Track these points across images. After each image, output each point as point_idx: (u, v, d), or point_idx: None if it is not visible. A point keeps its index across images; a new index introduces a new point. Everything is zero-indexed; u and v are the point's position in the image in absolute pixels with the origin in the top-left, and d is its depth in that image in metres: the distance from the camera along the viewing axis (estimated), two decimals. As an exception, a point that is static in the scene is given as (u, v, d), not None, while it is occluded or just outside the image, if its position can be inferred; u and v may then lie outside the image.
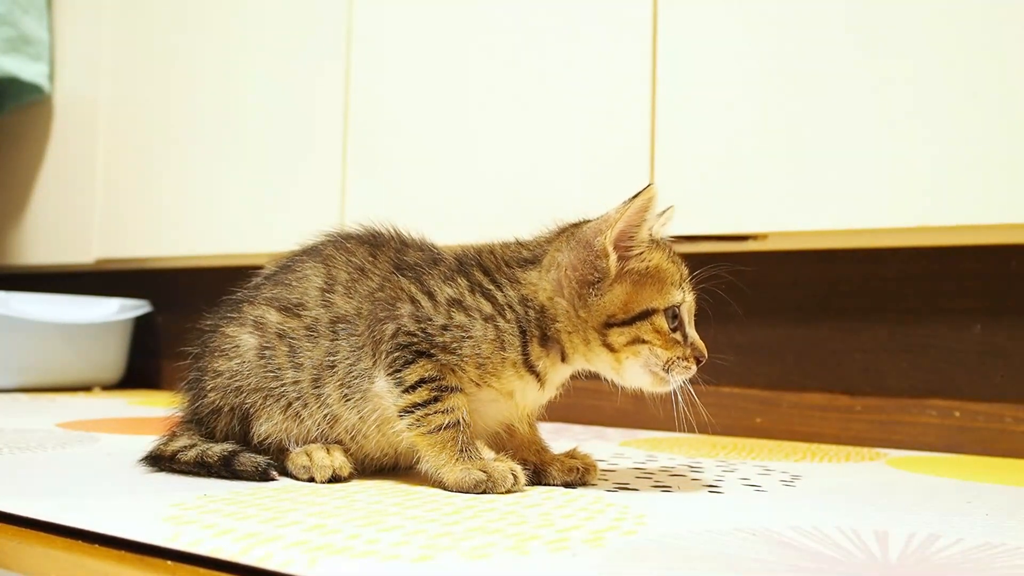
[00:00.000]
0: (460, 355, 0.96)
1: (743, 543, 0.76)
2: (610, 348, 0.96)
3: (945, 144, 1.29)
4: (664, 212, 1.01)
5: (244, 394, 1.02)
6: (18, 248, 2.54)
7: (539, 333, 0.98)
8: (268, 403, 1.01)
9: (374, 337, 0.98)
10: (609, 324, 0.96)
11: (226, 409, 1.03)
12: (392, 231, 1.08)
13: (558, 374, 1.01)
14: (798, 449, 1.44)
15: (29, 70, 2.43)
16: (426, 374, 0.96)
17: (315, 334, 1.01)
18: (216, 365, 1.04)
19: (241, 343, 1.03)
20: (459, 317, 0.96)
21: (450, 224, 1.68)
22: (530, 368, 0.98)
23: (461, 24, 1.74)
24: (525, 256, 1.01)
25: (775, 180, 1.40)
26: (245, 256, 1.98)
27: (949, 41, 1.29)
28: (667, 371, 0.96)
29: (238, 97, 2.09)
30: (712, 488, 1.03)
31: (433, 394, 0.95)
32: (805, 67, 1.39)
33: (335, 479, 0.99)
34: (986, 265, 1.44)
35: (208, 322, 1.09)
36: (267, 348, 1.02)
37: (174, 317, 2.44)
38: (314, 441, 1.02)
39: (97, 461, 1.11)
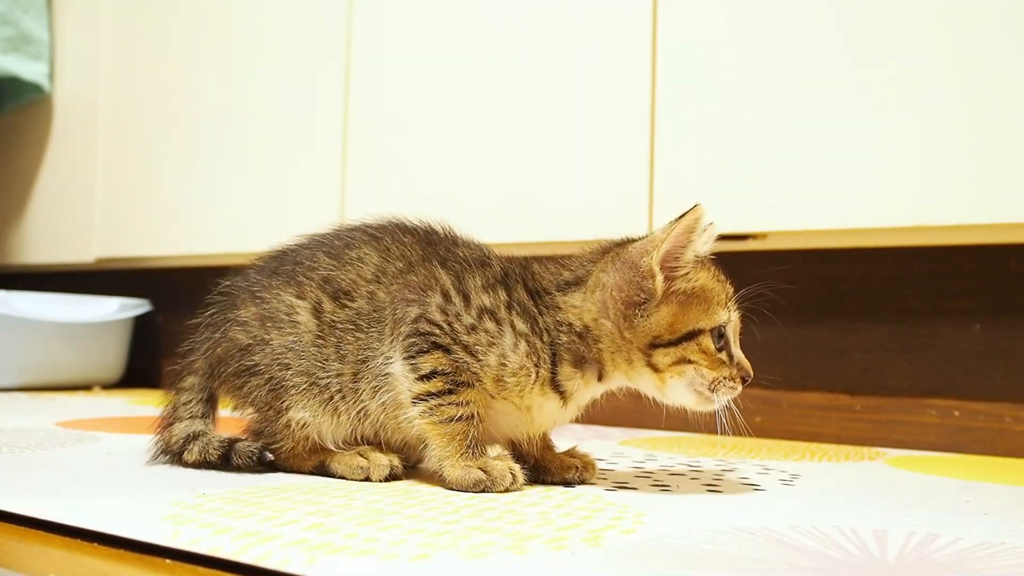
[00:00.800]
0: (482, 363, 0.95)
1: (742, 542, 0.76)
2: (654, 368, 0.95)
3: (941, 143, 1.29)
4: (707, 230, 0.98)
5: (291, 371, 1.00)
6: (18, 247, 2.54)
7: (572, 356, 0.97)
8: (312, 391, 1.00)
9: (396, 316, 0.98)
10: (654, 345, 0.94)
11: (265, 377, 1.01)
12: (447, 231, 1.07)
13: (588, 393, 1.00)
14: (798, 448, 1.44)
15: (29, 70, 2.43)
16: (439, 367, 0.95)
17: (356, 327, 1.00)
18: (270, 335, 1.02)
19: (300, 322, 1.01)
20: (490, 324, 0.96)
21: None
22: (556, 387, 0.98)
23: (461, 21, 1.74)
24: (567, 278, 1.00)
25: (775, 178, 1.40)
26: (245, 255, 1.97)
27: (947, 40, 1.29)
28: (712, 391, 0.94)
29: (238, 96, 2.09)
30: (711, 487, 1.03)
31: (448, 386, 0.95)
32: (803, 67, 1.39)
33: (393, 477, 1.00)
34: (985, 265, 1.44)
35: (260, 275, 1.07)
36: (320, 337, 1.00)
37: (174, 316, 2.44)
38: (344, 438, 1.02)
39: (97, 460, 1.11)
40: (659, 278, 0.93)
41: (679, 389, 0.95)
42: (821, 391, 1.56)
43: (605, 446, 1.40)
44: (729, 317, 0.96)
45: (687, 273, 0.95)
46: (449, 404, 0.95)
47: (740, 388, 0.96)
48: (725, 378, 0.95)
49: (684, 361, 0.94)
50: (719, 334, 0.95)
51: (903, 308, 1.51)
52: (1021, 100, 1.25)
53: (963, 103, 1.28)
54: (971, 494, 1.05)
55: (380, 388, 0.98)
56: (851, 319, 1.54)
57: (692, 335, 0.94)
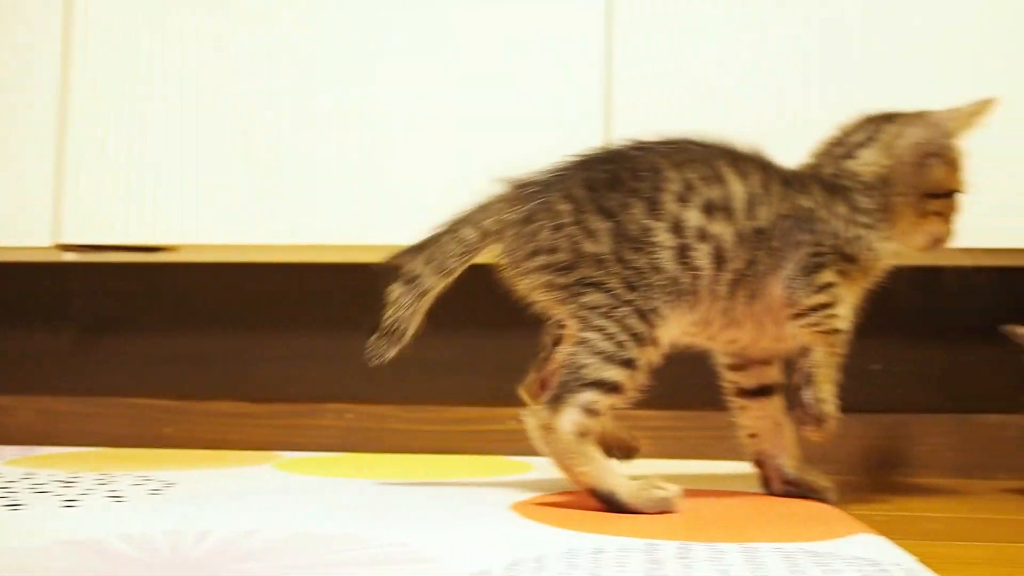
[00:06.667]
0: (859, 263, 1.11)
1: (56, 556, 0.78)
2: (922, 211, 1.14)
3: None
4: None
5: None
6: None
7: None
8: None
9: (792, 242, 1.08)
10: (929, 195, 1.14)
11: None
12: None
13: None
14: (201, 457, 1.49)
15: None
16: (831, 279, 1.08)
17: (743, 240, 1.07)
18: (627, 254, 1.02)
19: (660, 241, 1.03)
20: (858, 230, 1.10)
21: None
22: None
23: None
24: (847, 150, 1.16)
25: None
26: None
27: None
28: (937, 242, 1.16)
29: None
30: (70, 502, 1.04)
31: (833, 299, 1.08)
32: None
33: None
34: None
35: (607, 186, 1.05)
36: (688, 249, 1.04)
37: None
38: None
39: None
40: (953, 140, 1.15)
41: (923, 234, 1.16)
42: (228, 399, 1.63)
43: (-9, 466, 1.34)
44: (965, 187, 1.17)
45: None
46: (831, 316, 1.09)
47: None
48: (948, 233, 1.17)
49: (939, 213, 1.15)
50: (956, 199, 1.16)
51: (309, 319, 1.62)
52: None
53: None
54: (346, 490, 1.17)
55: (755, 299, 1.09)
56: (258, 331, 1.63)
57: (949, 194, 1.16)
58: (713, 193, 1.05)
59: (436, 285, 1.07)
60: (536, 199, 1.05)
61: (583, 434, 1.02)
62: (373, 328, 1.08)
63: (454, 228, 1.08)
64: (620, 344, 1.01)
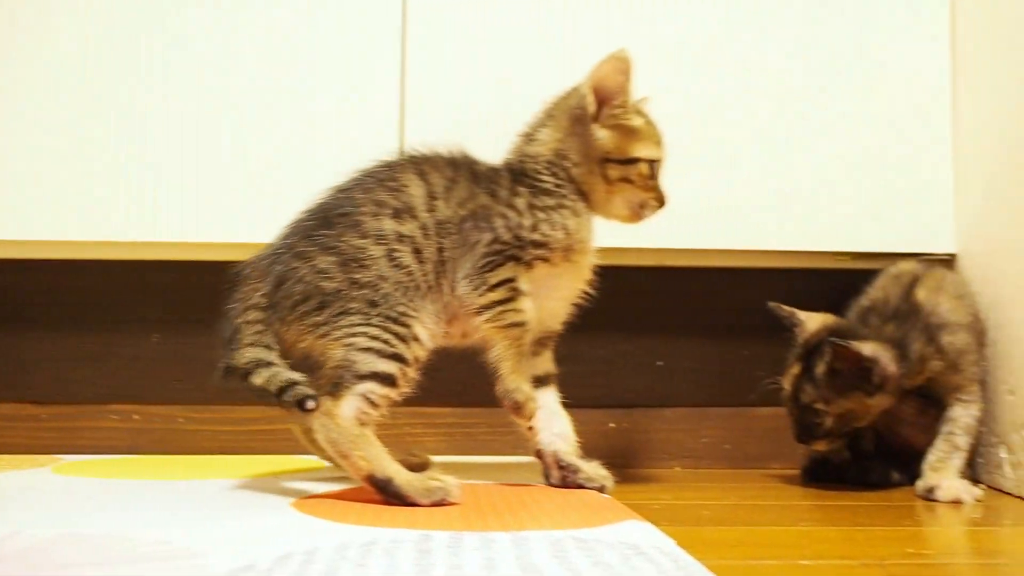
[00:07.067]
0: (551, 247, 1.19)
1: None
2: (607, 179, 1.23)
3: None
4: (643, 99, 1.27)
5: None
6: None
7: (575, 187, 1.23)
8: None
9: (469, 242, 1.18)
10: (607, 160, 1.22)
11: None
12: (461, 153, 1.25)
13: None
14: (-26, 462, 1.42)
15: None
16: (507, 275, 1.17)
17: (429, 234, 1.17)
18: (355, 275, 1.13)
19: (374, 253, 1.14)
20: (540, 215, 1.19)
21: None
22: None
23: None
24: (529, 135, 1.26)
25: None
26: None
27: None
28: (641, 207, 1.24)
29: None
30: None
31: (509, 294, 1.17)
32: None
33: None
34: (166, 277, 1.55)
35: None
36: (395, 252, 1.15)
37: None
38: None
39: None
40: (590, 97, 1.21)
41: (619, 202, 1.24)
42: (9, 402, 1.55)
43: None
44: (660, 156, 1.25)
45: (625, 112, 1.23)
46: (510, 311, 1.17)
47: (660, 209, 1.25)
48: (652, 198, 1.24)
49: (625, 180, 1.23)
50: (651, 167, 1.23)
51: (90, 319, 1.56)
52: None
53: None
54: (118, 490, 1.15)
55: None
56: (38, 330, 1.56)
57: (633, 161, 1.23)
58: (398, 202, 1.17)
59: (271, 355, 1.13)
60: (277, 267, 1.16)
61: (363, 422, 1.08)
62: (275, 398, 1.10)
63: (237, 316, 1.16)
64: (386, 342, 1.11)
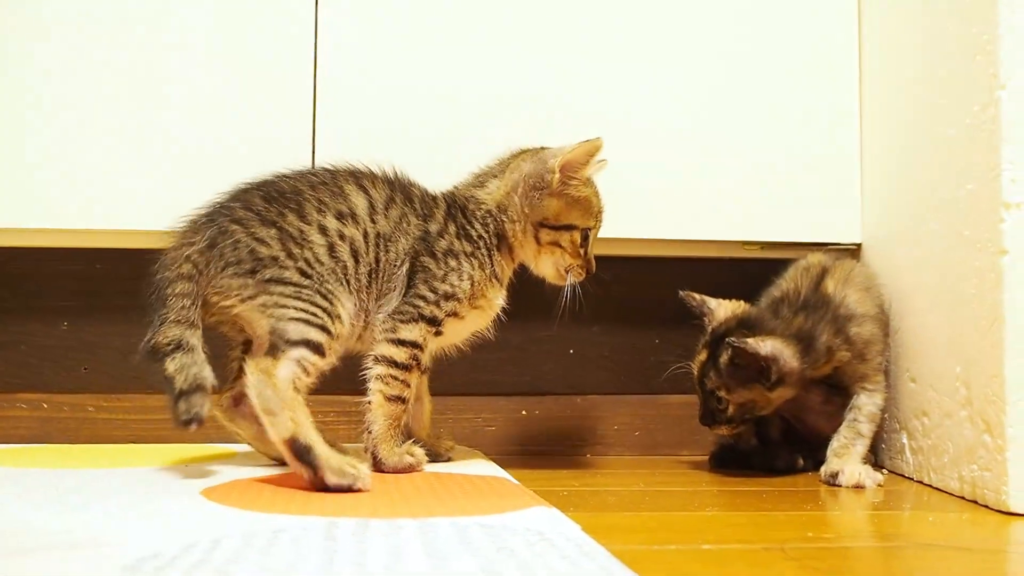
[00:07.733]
0: (459, 298, 1.25)
1: None
2: (538, 241, 1.30)
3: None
4: (600, 163, 1.33)
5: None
6: None
7: (496, 241, 1.30)
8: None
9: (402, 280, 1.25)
10: (543, 224, 1.29)
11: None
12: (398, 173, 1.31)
13: (507, 273, 1.33)
14: None
15: None
16: (418, 338, 1.23)
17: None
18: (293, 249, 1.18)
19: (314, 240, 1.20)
20: (453, 263, 1.25)
21: None
22: (496, 277, 1.29)
23: None
24: (482, 179, 1.33)
25: None
26: None
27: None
28: (566, 272, 1.31)
29: None
30: None
31: (408, 361, 1.22)
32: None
33: None
34: (75, 266, 1.53)
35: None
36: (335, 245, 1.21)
37: None
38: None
39: None
40: (557, 175, 1.27)
41: (547, 263, 1.32)
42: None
43: None
44: (595, 225, 1.33)
45: (578, 184, 1.29)
46: (399, 381, 1.22)
47: (583, 277, 1.32)
48: (577, 266, 1.31)
49: (556, 244, 1.30)
50: (584, 235, 1.31)
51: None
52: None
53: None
54: (24, 479, 1.14)
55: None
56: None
57: (568, 228, 1.30)
58: (342, 206, 1.23)
59: (195, 336, 1.15)
60: (210, 227, 1.18)
61: (297, 388, 1.12)
62: (173, 398, 1.11)
63: (166, 285, 1.16)
64: (313, 314, 1.16)
